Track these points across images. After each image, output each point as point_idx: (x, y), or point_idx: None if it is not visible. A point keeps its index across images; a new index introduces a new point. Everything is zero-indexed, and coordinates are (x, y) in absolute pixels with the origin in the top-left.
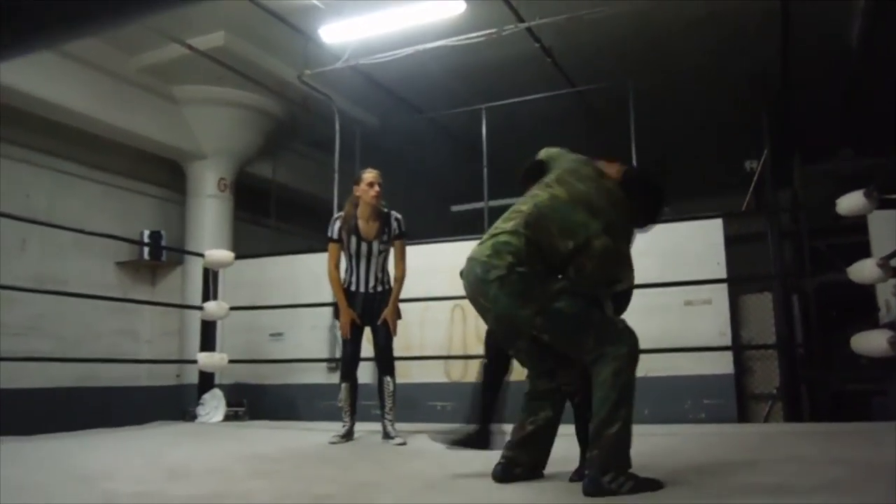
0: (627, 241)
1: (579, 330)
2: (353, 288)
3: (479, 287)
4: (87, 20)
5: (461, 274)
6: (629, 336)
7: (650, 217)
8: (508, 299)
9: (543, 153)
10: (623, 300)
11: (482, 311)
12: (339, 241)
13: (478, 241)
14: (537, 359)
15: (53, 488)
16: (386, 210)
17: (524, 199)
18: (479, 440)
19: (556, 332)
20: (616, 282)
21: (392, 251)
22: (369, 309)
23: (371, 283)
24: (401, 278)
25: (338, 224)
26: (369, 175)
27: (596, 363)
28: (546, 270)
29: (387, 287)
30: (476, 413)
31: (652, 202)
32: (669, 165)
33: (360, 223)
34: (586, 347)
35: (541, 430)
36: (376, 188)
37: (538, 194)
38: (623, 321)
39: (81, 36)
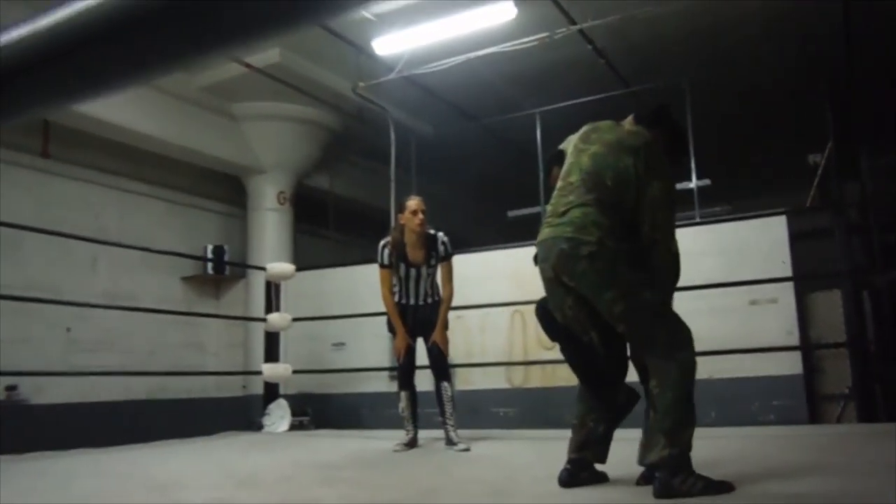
0: (672, 180)
1: (656, 323)
2: (403, 301)
3: (566, 264)
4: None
5: (535, 259)
6: (690, 338)
7: (677, 146)
8: (596, 277)
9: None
10: (673, 272)
11: (562, 293)
12: (390, 266)
13: (545, 224)
14: (601, 350)
15: (131, 497)
16: (432, 232)
17: (567, 171)
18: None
19: (634, 321)
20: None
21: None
22: (421, 320)
23: (421, 297)
24: (448, 299)
25: (386, 251)
26: (412, 203)
27: (663, 362)
28: (633, 246)
29: (437, 298)
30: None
31: (671, 130)
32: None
33: (408, 250)
34: (657, 344)
35: (601, 425)
36: (420, 216)
37: (578, 160)
38: (685, 325)
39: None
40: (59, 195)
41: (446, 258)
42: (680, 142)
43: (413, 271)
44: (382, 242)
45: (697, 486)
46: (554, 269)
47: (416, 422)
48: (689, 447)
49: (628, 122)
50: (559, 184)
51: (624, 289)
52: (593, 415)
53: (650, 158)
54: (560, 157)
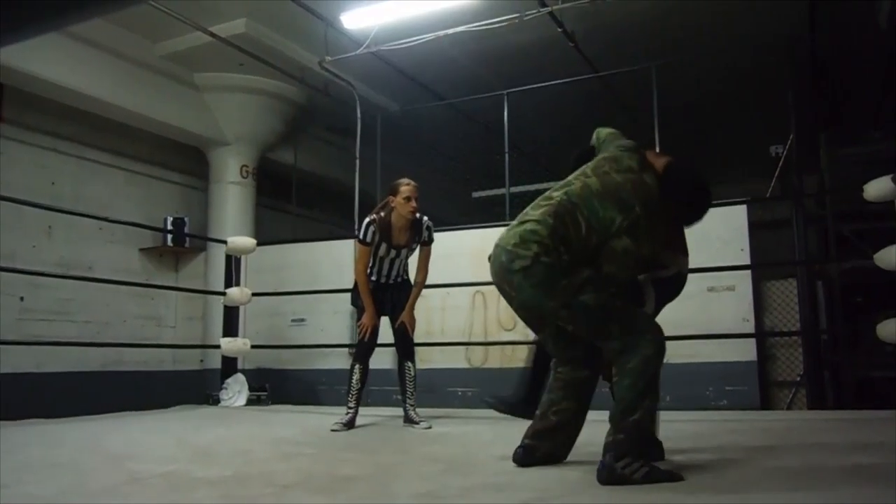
0: (656, 240)
1: (603, 320)
2: (373, 278)
3: (504, 275)
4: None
5: (489, 258)
6: (655, 327)
7: (691, 216)
8: (533, 290)
9: (595, 136)
10: (672, 287)
11: (507, 298)
12: (371, 244)
13: (506, 227)
14: (564, 346)
15: (84, 468)
16: (417, 216)
17: (558, 186)
18: (522, 408)
19: (581, 323)
20: (661, 268)
21: (416, 251)
22: (390, 297)
23: (392, 277)
24: (421, 283)
25: (371, 229)
26: (406, 188)
27: (624, 353)
28: (571, 261)
29: (406, 277)
30: (524, 384)
31: (692, 202)
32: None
33: (394, 232)
34: (612, 336)
35: (564, 421)
36: (413, 203)
37: (572, 182)
38: (646, 313)
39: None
40: (13, 160)
41: (427, 243)
42: (700, 206)
43: (392, 252)
44: (368, 219)
45: (640, 472)
46: (496, 276)
47: (359, 402)
48: (638, 433)
49: (659, 165)
50: (547, 192)
51: (563, 298)
52: (554, 407)
53: (640, 222)
54: (590, 152)
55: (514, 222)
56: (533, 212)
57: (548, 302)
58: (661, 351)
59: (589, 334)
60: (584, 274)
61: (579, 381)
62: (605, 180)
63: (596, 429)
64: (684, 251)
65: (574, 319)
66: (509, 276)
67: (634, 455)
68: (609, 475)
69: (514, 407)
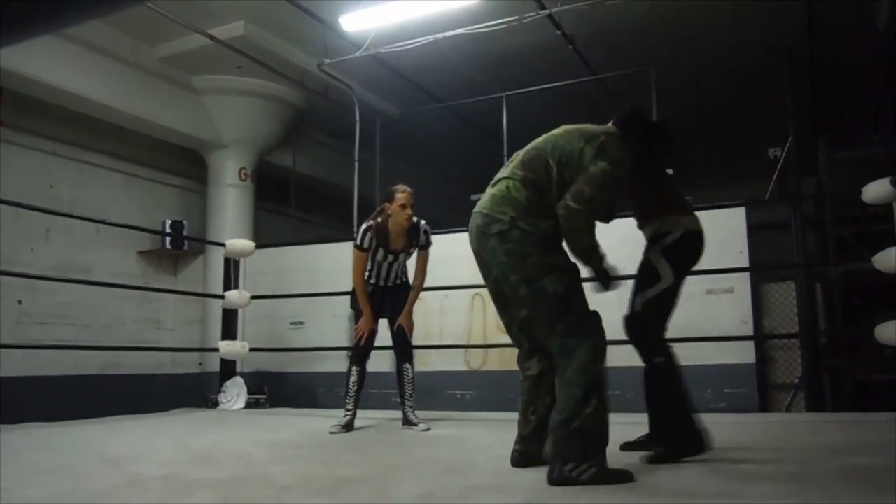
0: (621, 172)
1: (554, 312)
2: (372, 281)
3: (480, 239)
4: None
5: (468, 229)
6: (596, 327)
7: (654, 147)
8: (505, 258)
9: None
10: (688, 249)
11: (485, 267)
12: (368, 249)
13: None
14: (529, 332)
15: (83, 471)
16: (414, 220)
17: (525, 148)
18: (688, 446)
19: (534, 308)
20: (665, 234)
21: (414, 254)
22: (389, 300)
23: (391, 280)
24: (419, 287)
25: (368, 235)
26: (402, 196)
27: (561, 356)
28: (549, 229)
29: (405, 280)
30: (670, 419)
31: (642, 136)
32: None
33: (391, 238)
34: (555, 333)
35: (545, 419)
36: (409, 211)
37: (536, 139)
38: (596, 316)
39: (80, 20)
40: (11, 163)
41: (425, 247)
42: (655, 142)
43: (390, 257)
44: (365, 226)
45: (587, 473)
46: (474, 242)
47: (357, 404)
48: (580, 438)
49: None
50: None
51: (528, 274)
52: (531, 408)
53: (606, 144)
54: None
55: (488, 186)
56: (503, 171)
57: (513, 274)
58: (600, 356)
59: (536, 322)
60: (557, 257)
61: (550, 373)
62: (566, 128)
63: None
64: (687, 210)
65: (528, 302)
66: (485, 240)
67: (579, 459)
68: (558, 477)
69: (673, 451)
